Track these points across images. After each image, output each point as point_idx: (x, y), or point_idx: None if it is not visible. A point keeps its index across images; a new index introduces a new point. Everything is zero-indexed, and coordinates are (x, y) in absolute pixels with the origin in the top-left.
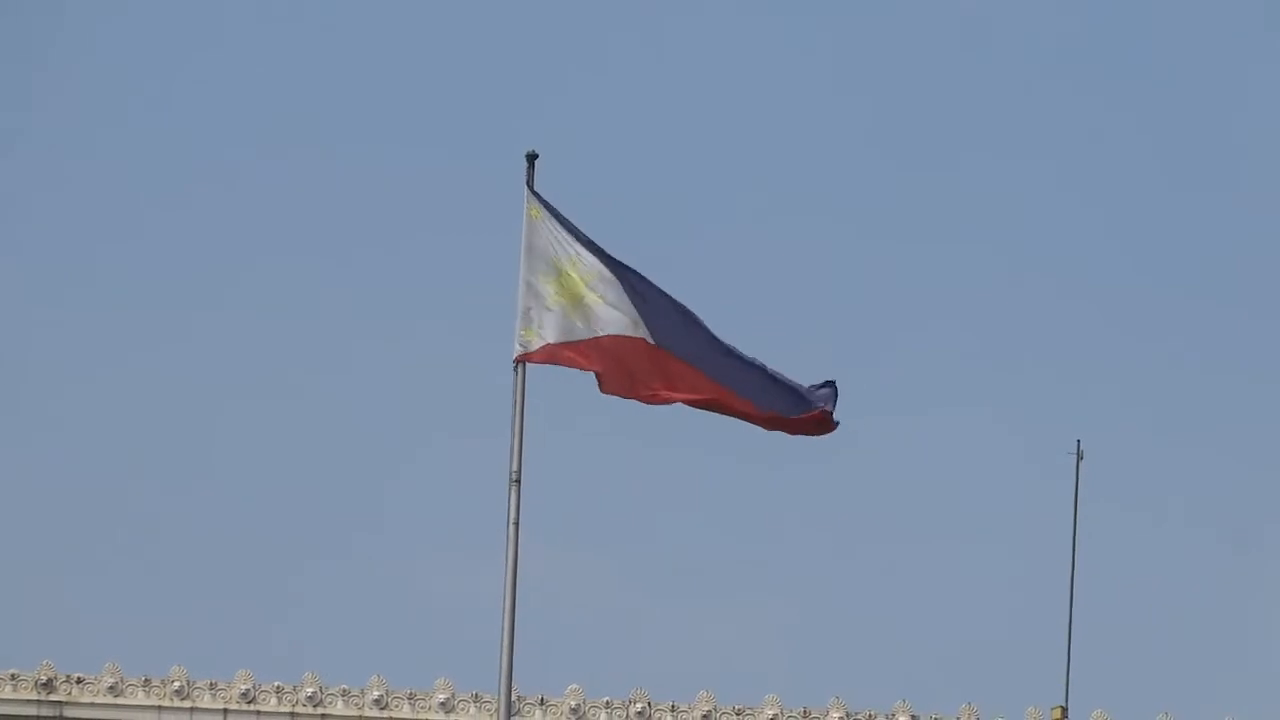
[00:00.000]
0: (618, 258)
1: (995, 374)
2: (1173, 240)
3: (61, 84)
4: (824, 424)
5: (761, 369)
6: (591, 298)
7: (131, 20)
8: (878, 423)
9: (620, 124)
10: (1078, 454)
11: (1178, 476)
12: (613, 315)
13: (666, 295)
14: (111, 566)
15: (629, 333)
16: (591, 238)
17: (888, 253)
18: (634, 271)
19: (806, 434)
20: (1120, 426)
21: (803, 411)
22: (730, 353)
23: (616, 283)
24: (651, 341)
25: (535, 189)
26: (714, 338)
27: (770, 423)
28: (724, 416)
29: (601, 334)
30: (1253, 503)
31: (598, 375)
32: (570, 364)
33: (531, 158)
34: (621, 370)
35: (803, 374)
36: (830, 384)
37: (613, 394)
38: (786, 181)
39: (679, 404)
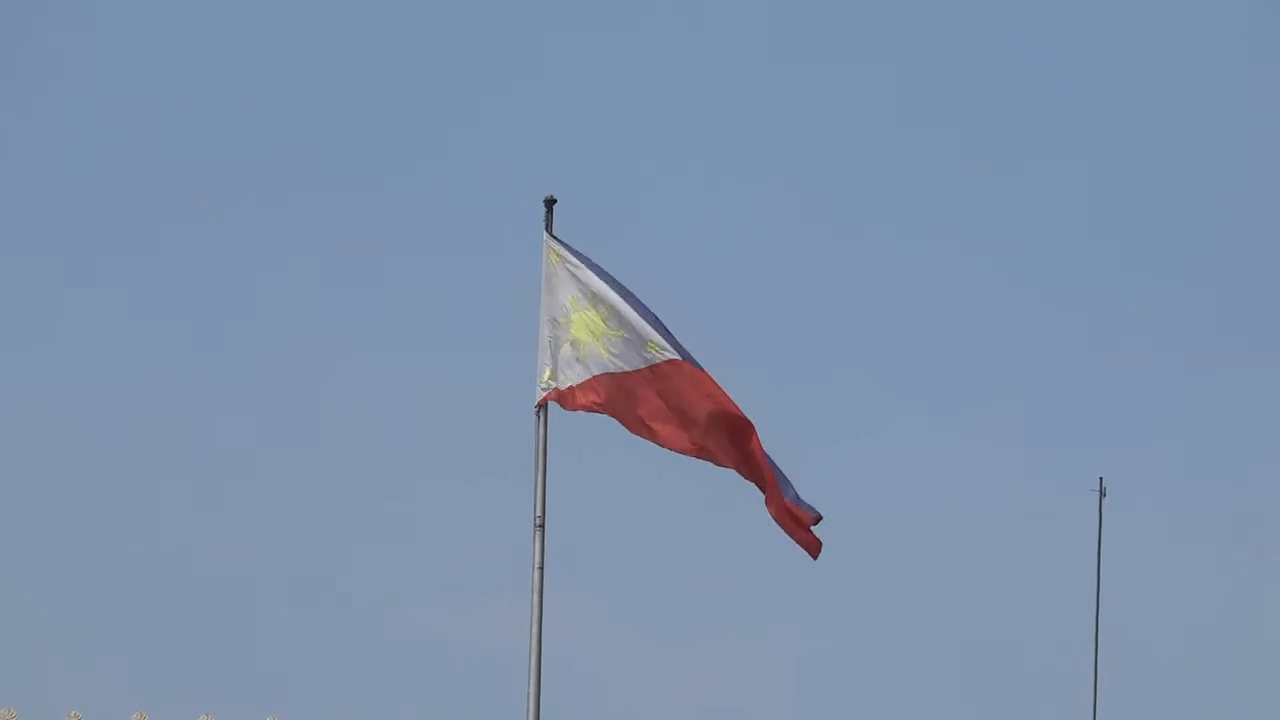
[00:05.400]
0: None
1: (1008, 399)
2: (1189, 253)
3: (57, 93)
4: (805, 529)
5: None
6: (612, 335)
7: (131, 37)
8: (894, 449)
9: (617, 124)
10: (1100, 491)
11: (1204, 503)
12: (630, 352)
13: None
14: (108, 625)
15: (649, 362)
16: (608, 270)
17: (887, 265)
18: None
19: (786, 524)
20: (1146, 454)
21: (791, 499)
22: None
23: (636, 315)
24: (679, 358)
25: (555, 233)
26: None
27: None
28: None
29: (619, 371)
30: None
31: (618, 417)
32: (591, 409)
33: (550, 203)
34: (633, 408)
35: (806, 404)
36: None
37: (636, 434)
38: (782, 187)
39: (684, 450)
